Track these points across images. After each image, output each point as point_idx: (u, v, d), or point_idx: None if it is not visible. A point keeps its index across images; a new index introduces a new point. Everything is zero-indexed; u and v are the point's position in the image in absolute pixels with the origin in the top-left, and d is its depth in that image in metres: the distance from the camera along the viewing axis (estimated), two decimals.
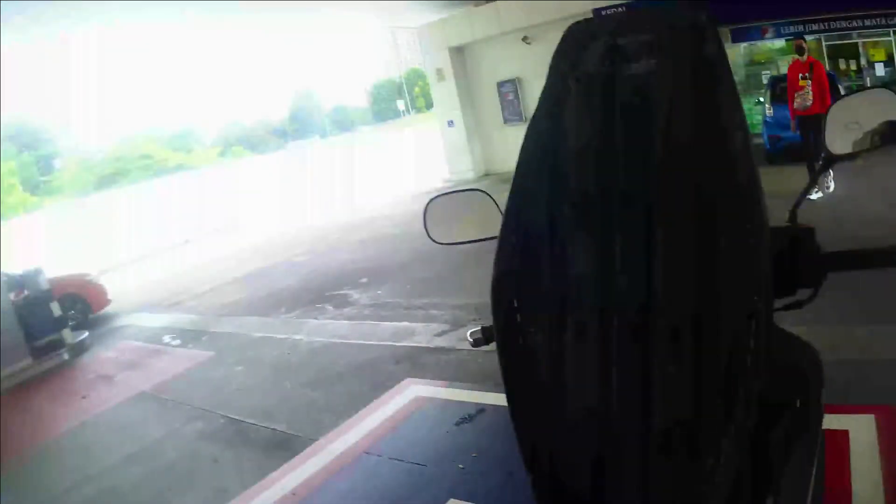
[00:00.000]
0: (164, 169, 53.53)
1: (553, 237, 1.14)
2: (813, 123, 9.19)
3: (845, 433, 3.27)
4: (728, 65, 1.13)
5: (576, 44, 1.22)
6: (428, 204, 1.80)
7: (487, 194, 1.71)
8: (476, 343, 1.52)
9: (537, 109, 1.20)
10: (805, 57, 9.81)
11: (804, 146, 9.57)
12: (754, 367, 1.00)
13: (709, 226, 1.03)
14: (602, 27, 1.23)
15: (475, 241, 1.70)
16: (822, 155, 1.54)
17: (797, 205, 1.49)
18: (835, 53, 17.81)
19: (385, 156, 27.90)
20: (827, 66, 17.44)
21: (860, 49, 17.63)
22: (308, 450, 4.13)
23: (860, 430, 3.31)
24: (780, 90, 13.32)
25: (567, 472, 1.13)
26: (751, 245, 1.02)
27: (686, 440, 1.03)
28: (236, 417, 4.97)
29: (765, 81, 16.50)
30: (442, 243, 1.83)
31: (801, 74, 9.66)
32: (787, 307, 1.40)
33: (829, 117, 1.53)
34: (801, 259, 1.41)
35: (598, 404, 1.08)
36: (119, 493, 4.22)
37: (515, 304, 1.16)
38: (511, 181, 1.18)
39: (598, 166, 1.12)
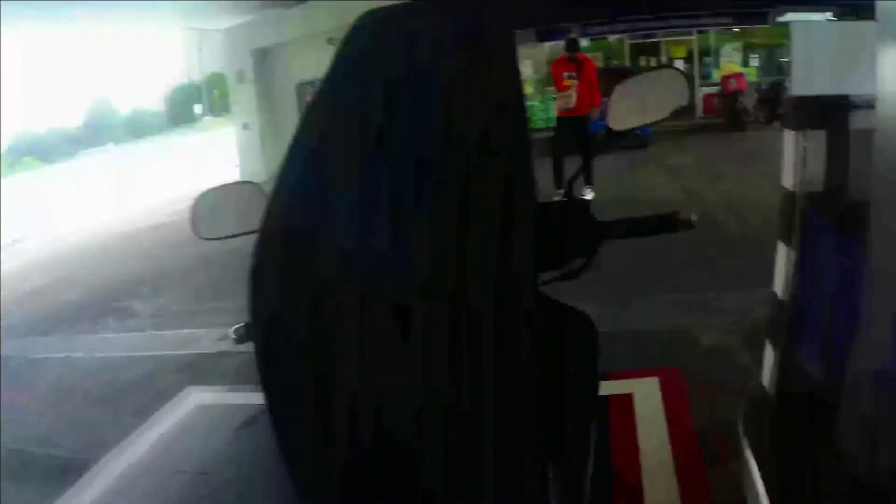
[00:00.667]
0: None
1: (318, 218, 1.08)
2: (574, 124, 9.02)
3: (629, 396, 3.48)
4: (516, 59, 1.10)
5: (364, 31, 1.17)
6: (197, 198, 1.72)
7: (259, 186, 1.66)
8: (239, 340, 1.45)
9: (315, 97, 1.16)
10: (575, 55, 9.43)
11: (554, 146, 9.25)
12: (521, 336, 0.99)
13: (475, 194, 1.01)
14: (391, 18, 1.17)
15: (244, 233, 1.59)
16: (602, 131, 1.66)
17: (573, 179, 1.56)
18: (637, 52, 19.24)
19: (179, 161, 26.58)
20: (628, 63, 18.64)
21: (662, 47, 19.21)
22: (91, 471, 4.11)
23: (644, 392, 3.53)
24: None
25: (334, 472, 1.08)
26: (516, 214, 1.00)
27: (450, 420, 1.00)
28: (14, 447, 4.77)
29: None
30: (209, 238, 1.72)
31: (565, 73, 9.28)
32: (561, 277, 1.44)
33: (614, 93, 1.56)
34: (573, 228, 1.43)
35: (360, 392, 1.04)
36: None
37: (278, 292, 1.11)
38: None
39: (373, 141, 1.07)
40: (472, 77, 1.07)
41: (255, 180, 1.84)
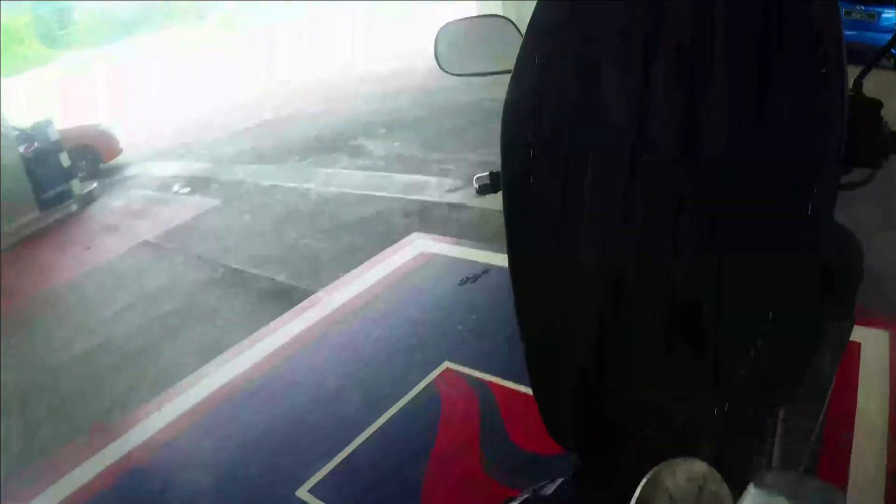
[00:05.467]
0: (193, 16, 52.00)
1: (580, 70, 1.02)
2: None
3: (857, 345, 3.07)
4: None
5: None
6: (440, 30, 1.63)
7: (510, 21, 1.51)
8: (482, 190, 1.40)
9: None
10: None
11: None
12: (812, 237, 0.93)
13: (779, 81, 0.91)
14: None
15: (492, 73, 1.54)
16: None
17: (862, 76, 1.31)
18: None
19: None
20: None
21: None
22: (306, 301, 3.98)
23: (873, 343, 3.09)
24: None
25: (568, 343, 1.05)
26: (826, 106, 0.91)
27: (713, 314, 0.96)
28: (237, 267, 4.83)
29: None
30: (454, 74, 1.64)
31: None
32: (839, 187, 1.22)
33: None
34: (862, 134, 1.23)
35: (614, 258, 0.99)
36: (113, 344, 4.14)
37: (529, 139, 1.04)
38: None
39: (650, 10, 0.98)
40: None
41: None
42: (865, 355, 3.02)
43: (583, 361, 1.03)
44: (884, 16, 8.44)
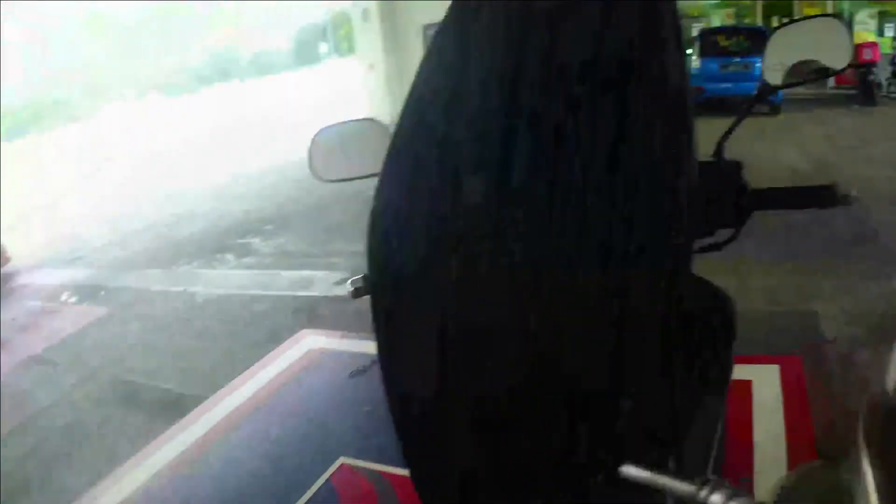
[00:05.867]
0: (78, 116, 51.05)
1: (444, 165, 1.03)
2: None
3: (748, 384, 3.29)
4: None
5: None
6: (315, 136, 1.63)
7: (380, 123, 1.57)
8: (357, 293, 1.36)
9: (439, 30, 1.08)
10: None
11: None
12: (668, 312, 0.91)
13: (631, 154, 0.92)
14: None
15: (366, 176, 1.50)
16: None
17: (724, 138, 1.41)
18: (769, 11, 18.43)
19: (304, 101, 27.19)
20: (760, 22, 18.22)
21: (794, 8, 18.25)
22: (198, 409, 4.02)
23: (764, 380, 3.33)
24: (710, 43, 14.04)
25: (447, 444, 1.06)
26: (672, 177, 0.92)
27: (591, 393, 0.95)
28: (128, 378, 4.81)
29: (694, 34, 16.97)
30: (327, 180, 1.64)
31: None
32: (704, 249, 1.35)
33: (770, 43, 1.46)
34: (725, 195, 1.34)
35: (485, 356, 0.99)
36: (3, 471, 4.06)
37: (394, 245, 1.07)
38: None
39: (505, 88, 0.99)
40: (621, 15, 0.93)
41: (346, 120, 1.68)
42: (757, 392, 3.23)
43: (461, 449, 1.03)
44: (757, 65, 9.23)
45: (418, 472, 1.10)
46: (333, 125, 1.65)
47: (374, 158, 1.37)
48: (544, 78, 0.97)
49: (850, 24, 17.02)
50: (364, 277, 1.32)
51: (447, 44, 1.07)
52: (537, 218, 0.94)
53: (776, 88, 1.46)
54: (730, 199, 1.33)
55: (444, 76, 1.06)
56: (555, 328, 0.94)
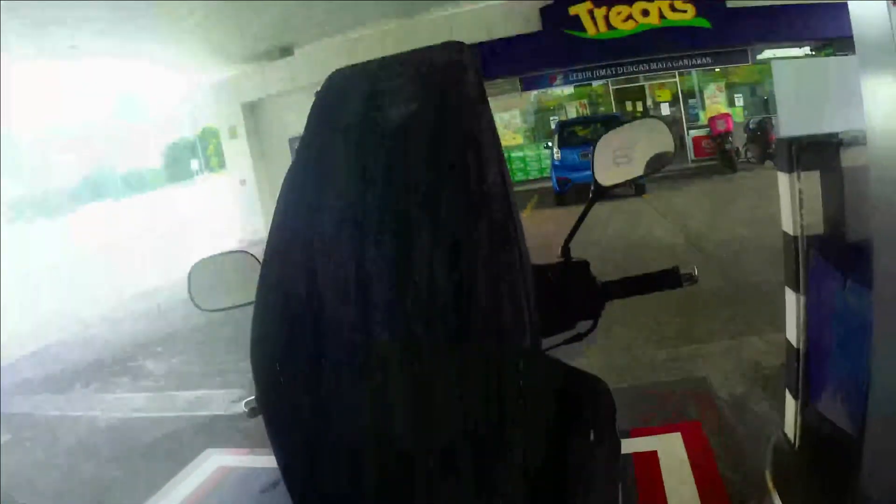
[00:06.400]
0: None
1: (310, 290, 1.08)
2: None
3: (654, 454, 3.39)
4: (486, 100, 1.10)
5: (336, 92, 1.19)
6: (192, 268, 1.71)
7: (252, 256, 1.64)
8: (252, 413, 1.42)
9: (294, 162, 1.17)
10: None
11: None
12: (529, 404, 0.96)
13: (468, 264, 0.99)
14: (363, 73, 1.19)
15: (240, 305, 1.62)
16: (591, 188, 1.53)
17: (568, 239, 1.49)
18: (621, 96, 19.31)
19: (179, 218, 27.00)
20: (614, 109, 18.89)
21: (647, 91, 19.30)
22: None
23: (668, 448, 3.44)
24: (568, 134, 14.86)
25: None
26: (508, 282, 0.98)
27: (459, 489, 0.99)
28: None
29: (553, 127, 17.53)
30: (206, 309, 1.72)
31: None
32: (567, 341, 1.43)
33: (597, 150, 1.52)
34: (576, 291, 1.42)
35: (371, 449, 1.05)
36: None
37: (277, 366, 1.12)
38: None
39: (353, 211, 1.08)
40: (448, 132, 1.07)
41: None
42: (664, 459, 3.33)
43: None
44: None
45: None
46: (208, 257, 1.73)
47: (246, 288, 1.45)
48: (382, 203, 1.06)
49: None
50: (257, 398, 1.32)
51: (300, 179, 1.17)
52: (394, 328, 1.01)
53: (608, 189, 1.52)
54: (580, 295, 1.42)
55: (297, 207, 1.15)
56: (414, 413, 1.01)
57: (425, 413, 1.01)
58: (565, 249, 1.48)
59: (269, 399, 1.16)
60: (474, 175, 1.02)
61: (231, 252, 1.74)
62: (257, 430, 3.85)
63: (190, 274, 1.71)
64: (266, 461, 4.30)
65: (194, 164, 52.29)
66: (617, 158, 1.52)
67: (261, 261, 1.23)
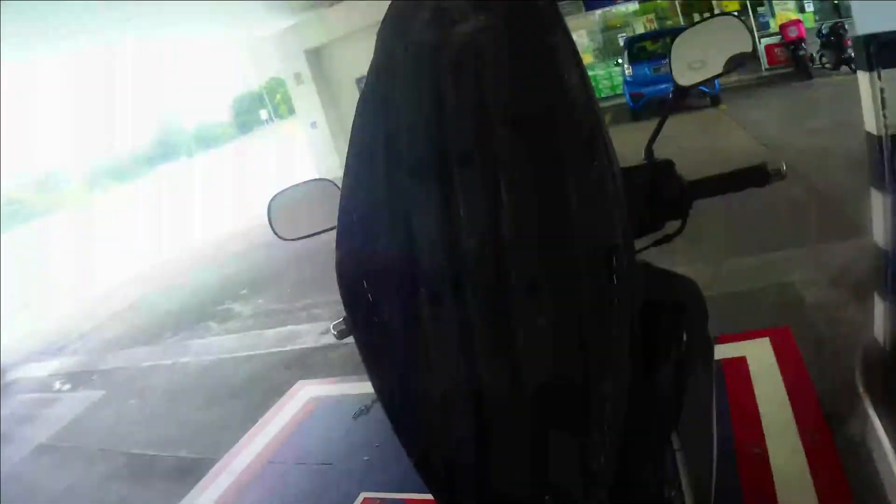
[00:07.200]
0: (34, 213, 50.59)
1: (394, 209, 1.09)
2: None
3: (743, 359, 3.36)
4: (559, 12, 1.08)
5: (401, 13, 1.17)
6: (271, 200, 1.74)
7: (331, 182, 1.66)
8: (341, 335, 1.44)
9: (366, 84, 1.17)
10: None
11: None
12: (624, 305, 0.97)
13: (554, 173, 0.99)
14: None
15: (322, 231, 1.65)
16: (671, 87, 1.52)
17: (651, 141, 1.48)
18: (688, 9, 18.85)
19: (252, 167, 27.43)
20: (682, 22, 18.52)
21: (713, 2, 18.67)
22: (213, 469, 4.19)
23: (757, 353, 3.41)
24: (638, 49, 14.48)
25: (449, 455, 1.07)
26: (599, 185, 0.98)
27: (564, 398, 0.99)
28: (137, 452, 4.97)
29: (621, 44, 17.27)
30: (288, 239, 1.74)
31: None
32: (657, 242, 1.44)
33: (674, 50, 1.50)
34: (663, 191, 1.40)
35: (466, 377, 1.02)
36: None
37: (364, 285, 1.12)
38: None
39: (433, 131, 1.06)
40: (523, 48, 1.05)
41: (330, 176, 1.82)
42: (753, 365, 3.31)
43: (466, 464, 1.06)
44: None
45: (432, 479, 1.11)
46: (286, 189, 1.76)
47: (327, 215, 1.55)
48: (463, 121, 1.05)
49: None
50: (344, 319, 1.39)
51: (372, 101, 1.16)
52: (487, 244, 1.00)
53: (687, 88, 1.50)
54: (669, 193, 1.40)
55: (375, 133, 1.14)
56: (525, 336, 1.00)
57: (523, 329, 0.99)
58: (649, 150, 1.47)
59: (358, 318, 1.14)
60: (555, 82, 1.01)
61: (309, 181, 1.74)
62: (346, 360, 3.88)
63: (269, 206, 1.73)
64: (356, 388, 4.53)
65: (263, 114, 53.31)
66: (695, 58, 1.49)
67: (339, 186, 1.23)
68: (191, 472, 4.33)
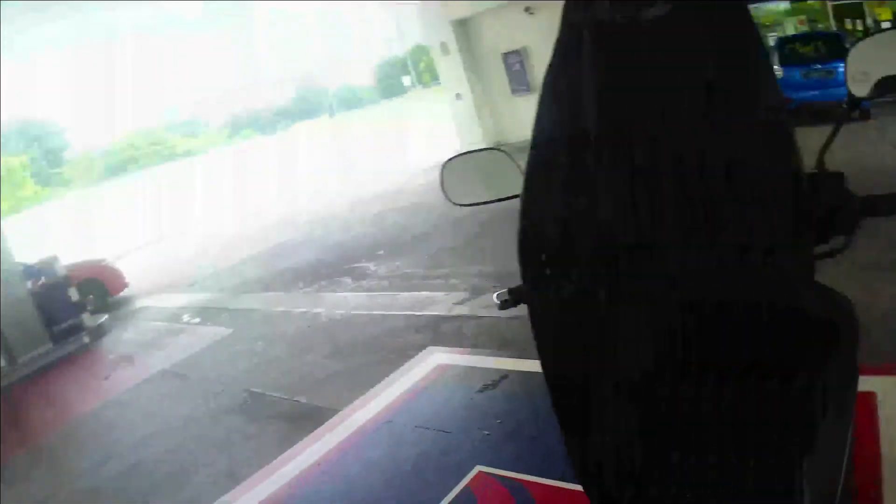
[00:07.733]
0: (174, 154, 53.94)
1: (580, 185, 1.09)
2: None
3: (872, 395, 3.12)
4: (745, 2, 1.05)
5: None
6: (444, 165, 1.76)
7: (505, 152, 1.66)
8: (503, 305, 1.46)
9: (551, 63, 1.14)
10: None
11: None
12: (798, 304, 1.01)
13: (738, 166, 0.99)
14: None
15: (494, 200, 1.67)
16: (845, 98, 1.44)
17: (823, 151, 1.39)
18: (840, 14, 17.84)
19: (395, 130, 27.87)
20: (832, 27, 17.60)
21: (865, 9, 17.57)
22: (331, 421, 4.06)
23: (889, 391, 3.15)
24: (789, 51, 13.53)
25: (614, 452, 1.08)
26: (783, 190, 0.99)
27: (712, 405, 1.00)
28: (258, 391, 4.96)
29: (772, 44, 16.54)
30: (461, 204, 1.76)
31: None
32: (819, 256, 1.33)
33: (850, 58, 1.43)
34: (833, 203, 1.32)
35: (651, 364, 1.03)
36: (143, 469, 4.23)
37: (544, 258, 1.12)
38: (523, 150, 1.14)
39: (619, 111, 1.06)
40: (710, 37, 1.03)
41: (471, 146, 1.73)
42: (883, 403, 3.06)
43: (626, 463, 1.07)
44: (840, 70, 8.85)
45: (585, 470, 1.12)
46: (459, 155, 1.77)
47: (503, 184, 1.58)
48: (652, 99, 1.03)
49: None
50: (509, 291, 1.43)
51: (559, 78, 1.13)
52: (676, 227, 1.01)
53: (863, 100, 1.43)
54: (841, 207, 1.32)
55: (562, 106, 1.13)
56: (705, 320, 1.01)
57: (704, 320, 1.01)
58: (820, 161, 1.35)
59: (536, 290, 1.15)
60: (749, 68, 1.01)
61: (484, 149, 1.74)
62: (479, 333, 3.70)
63: (443, 170, 1.76)
64: (487, 362, 4.29)
65: (406, 80, 54.38)
66: (874, 68, 1.40)
67: (513, 158, 1.32)
68: (308, 418, 4.26)
